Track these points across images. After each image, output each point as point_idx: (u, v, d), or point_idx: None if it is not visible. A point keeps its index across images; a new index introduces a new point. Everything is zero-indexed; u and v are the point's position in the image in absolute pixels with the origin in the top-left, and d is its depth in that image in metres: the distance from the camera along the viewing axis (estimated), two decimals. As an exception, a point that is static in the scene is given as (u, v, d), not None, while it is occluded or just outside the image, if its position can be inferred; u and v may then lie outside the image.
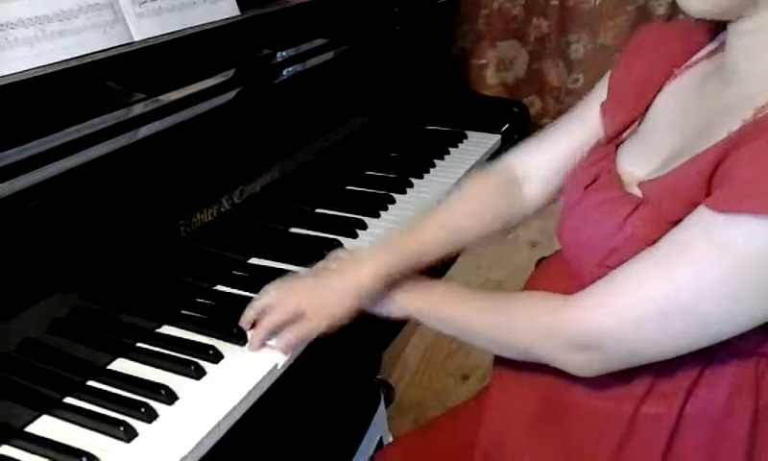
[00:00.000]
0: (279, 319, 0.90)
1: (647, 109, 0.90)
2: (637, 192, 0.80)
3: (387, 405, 1.78)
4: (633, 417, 0.80)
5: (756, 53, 0.76)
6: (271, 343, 0.91)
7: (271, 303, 0.91)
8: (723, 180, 0.69)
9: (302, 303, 0.90)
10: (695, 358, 0.75)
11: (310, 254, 1.08)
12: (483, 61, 1.89)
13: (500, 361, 0.93)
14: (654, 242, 0.74)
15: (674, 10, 1.75)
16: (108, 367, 0.89)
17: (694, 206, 0.71)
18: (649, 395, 0.79)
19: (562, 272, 0.88)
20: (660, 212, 0.75)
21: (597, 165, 0.88)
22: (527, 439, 0.89)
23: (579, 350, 0.78)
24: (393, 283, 0.93)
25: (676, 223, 0.73)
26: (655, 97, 0.89)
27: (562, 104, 1.93)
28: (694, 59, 0.87)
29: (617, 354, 0.76)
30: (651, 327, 0.73)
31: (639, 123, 0.90)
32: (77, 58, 0.97)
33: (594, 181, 0.86)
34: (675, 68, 0.88)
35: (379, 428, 1.67)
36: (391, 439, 1.65)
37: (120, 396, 0.84)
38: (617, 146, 0.90)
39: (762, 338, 0.73)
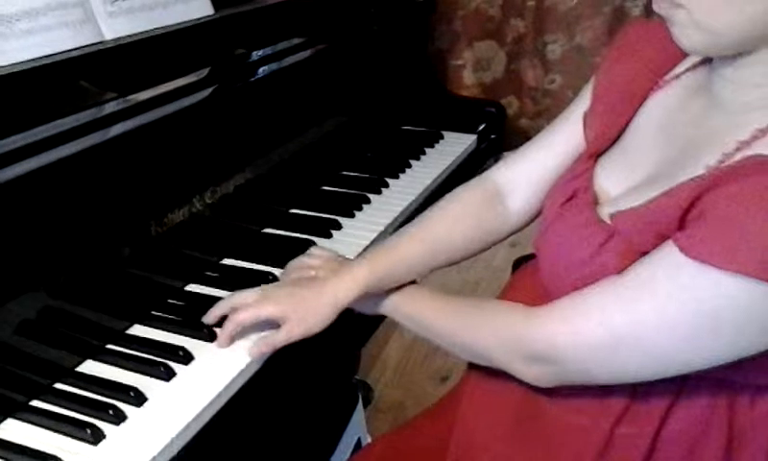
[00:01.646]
0: (251, 319, 0.90)
1: (629, 122, 0.88)
2: (612, 214, 0.79)
3: (365, 406, 1.78)
4: (609, 435, 0.80)
5: (744, 84, 0.74)
6: (239, 343, 0.91)
7: (246, 303, 0.91)
8: (697, 220, 0.68)
9: (279, 310, 0.89)
10: (669, 382, 0.75)
11: (284, 254, 1.07)
12: (460, 62, 1.89)
13: (473, 366, 0.93)
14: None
15: (649, 11, 1.76)
16: (76, 369, 0.88)
17: (665, 239, 0.71)
18: (625, 414, 0.79)
19: (537, 284, 0.88)
20: (633, 244, 0.75)
21: (575, 181, 0.87)
22: (500, 447, 0.89)
23: (534, 361, 0.79)
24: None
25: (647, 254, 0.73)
26: (638, 109, 0.87)
27: (539, 104, 1.93)
28: (678, 70, 0.85)
29: (570, 372, 0.77)
30: (606, 353, 0.73)
31: (620, 136, 0.88)
32: (47, 56, 0.96)
33: (572, 197, 0.85)
34: (659, 78, 0.86)
35: (357, 429, 1.66)
36: (369, 440, 1.65)
37: (88, 398, 0.83)
38: (597, 158, 0.89)
39: (734, 368, 0.72)
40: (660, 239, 0.71)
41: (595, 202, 0.83)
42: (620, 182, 0.83)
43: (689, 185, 0.70)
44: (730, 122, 0.73)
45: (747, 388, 0.77)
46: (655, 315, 0.70)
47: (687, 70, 0.84)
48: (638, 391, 0.78)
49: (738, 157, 0.70)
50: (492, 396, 0.90)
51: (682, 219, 0.70)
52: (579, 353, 0.75)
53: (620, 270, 0.74)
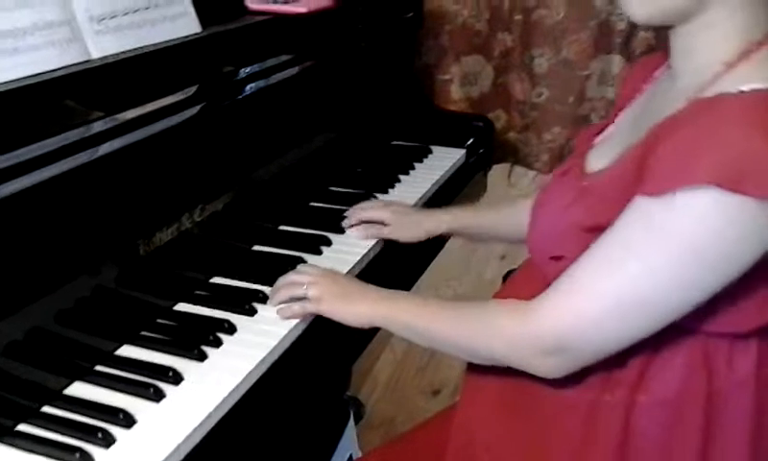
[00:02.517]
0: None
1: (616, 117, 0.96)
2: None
3: (357, 422, 1.77)
4: (593, 405, 0.82)
5: (690, 53, 0.80)
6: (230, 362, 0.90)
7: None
8: (653, 167, 0.72)
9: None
10: (644, 343, 0.78)
11: (274, 271, 1.07)
12: (448, 76, 1.89)
13: (472, 366, 0.94)
14: (592, 229, 0.78)
15: (634, 25, 1.77)
16: (64, 391, 0.87)
17: (629, 194, 0.74)
18: (607, 382, 0.81)
19: (527, 276, 0.92)
20: (601, 203, 0.79)
21: (571, 161, 0.94)
22: (495, 434, 0.91)
23: (547, 355, 0.80)
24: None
25: (614, 211, 0.76)
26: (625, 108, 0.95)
27: (527, 118, 1.94)
28: (658, 71, 0.92)
29: (584, 354, 0.79)
30: (612, 324, 0.76)
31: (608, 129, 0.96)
32: (34, 75, 0.96)
33: (567, 171, 0.92)
34: (643, 84, 0.94)
35: (349, 445, 1.65)
36: (360, 456, 1.64)
37: (76, 421, 0.82)
38: (591, 147, 0.94)
39: (704, 316, 0.75)
40: (624, 193, 0.75)
41: (584, 176, 0.89)
42: (602, 160, 0.88)
43: (643, 141, 0.76)
44: (685, 85, 0.79)
45: (722, 345, 0.79)
46: (643, 270, 0.73)
47: (662, 72, 0.91)
48: (615, 357, 0.80)
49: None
50: (487, 389, 0.92)
51: (641, 172, 0.73)
52: (587, 334, 0.77)
53: (588, 224, 0.79)
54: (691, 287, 0.73)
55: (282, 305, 1.00)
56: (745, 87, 0.72)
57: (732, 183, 0.67)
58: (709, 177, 0.67)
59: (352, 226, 1.24)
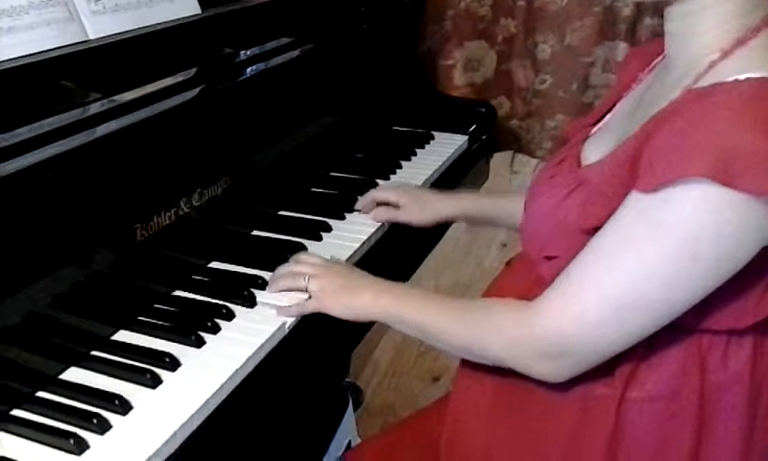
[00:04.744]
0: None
1: (614, 107, 0.94)
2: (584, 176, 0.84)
3: (356, 408, 1.77)
4: (586, 399, 0.81)
5: (685, 37, 0.79)
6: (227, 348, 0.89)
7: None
8: (648, 161, 0.71)
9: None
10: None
11: (273, 257, 1.06)
12: (450, 62, 1.88)
13: (465, 359, 0.93)
14: (587, 228, 0.77)
15: (640, 11, 1.75)
16: (60, 376, 0.86)
17: (625, 189, 0.73)
18: (600, 378, 0.80)
19: (522, 267, 0.91)
20: (595, 199, 0.77)
21: (565, 152, 0.92)
22: (486, 427, 0.90)
23: (549, 359, 0.79)
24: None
25: (609, 208, 0.75)
26: (619, 100, 0.94)
27: (530, 105, 1.92)
28: (657, 60, 0.91)
29: (585, 357, 0.78)
30: (612, 325, 0.75)
31: (604, 122, 0.94)
32: (30, 55, 0.94)
33: (561, 162, 0.91)
34: (640, 73, 0.93)
35: (348, 432, 1.65)
36: (359, 442, 1.64)
37: (71, 406, 0.81)
38: (585, 140, 0.93)
39: (701, 314, 0.74)
40: (620, 187, 0.74)
41: (579, 167, 0.88)
42: (598, 152, 0.87)
43: (637, 134, 0.75)
44: (678, 76, 0.78)
45: (719, 341, 0.78)
46: (641, 266, 0.71)
47: (660, 60, 0.90)
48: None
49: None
50: (480, 381, 0.91)
51: (635, 167, 0.72)
52: (588, 336, 0.76)
53: (581, 225, 0.78)
54: (689, 284, 0.71)
55: (282, 302, 0.98)
56: (741, 76, 0.70)
57: (725, 177, 0.65)
58: (702, 169, 0.66)
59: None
